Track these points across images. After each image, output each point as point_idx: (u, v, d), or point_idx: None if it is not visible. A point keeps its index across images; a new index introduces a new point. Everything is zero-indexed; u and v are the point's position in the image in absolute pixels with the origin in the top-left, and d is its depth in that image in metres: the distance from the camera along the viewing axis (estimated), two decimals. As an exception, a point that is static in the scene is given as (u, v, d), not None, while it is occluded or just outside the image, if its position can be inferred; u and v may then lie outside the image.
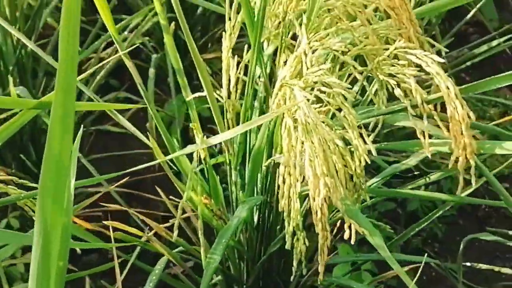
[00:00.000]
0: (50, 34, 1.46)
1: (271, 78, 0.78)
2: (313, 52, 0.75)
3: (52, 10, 1.44)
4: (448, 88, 0.60)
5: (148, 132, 1.05)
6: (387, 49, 0.66)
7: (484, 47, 1.25)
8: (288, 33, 0.74)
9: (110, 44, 1.45)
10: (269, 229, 0.88)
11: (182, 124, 1.61)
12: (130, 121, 1.71)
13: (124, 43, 1.38)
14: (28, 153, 1.32)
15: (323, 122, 0.63)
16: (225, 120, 0.84)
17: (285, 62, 0.64)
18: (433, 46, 0.69)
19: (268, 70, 0.81)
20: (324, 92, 0.62)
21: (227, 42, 0.74)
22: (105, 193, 1.37)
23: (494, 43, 1.24)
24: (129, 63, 0.71)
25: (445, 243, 1.42)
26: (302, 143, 0.58)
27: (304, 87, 0.61)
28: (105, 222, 0.71)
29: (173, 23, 1.50)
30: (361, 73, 0.68)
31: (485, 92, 1.55)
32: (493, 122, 0.84)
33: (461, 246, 1.00)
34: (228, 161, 0.83)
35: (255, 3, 0.72)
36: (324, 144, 0.58)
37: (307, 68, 0.63)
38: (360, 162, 0.63)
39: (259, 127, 0.80)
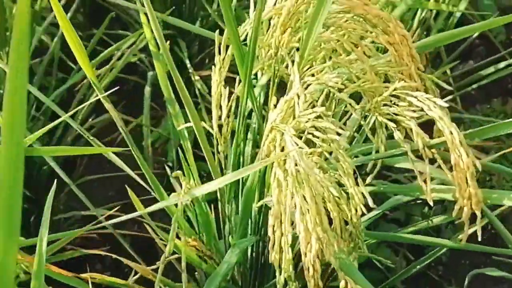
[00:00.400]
0: (44, 52, 1.42)
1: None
2: (306, 87, 0.71)
3: (47, 27, 1.40)
4: (452, 134, 0.56)
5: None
6: (387, 88, 0.61)
7: (491, 69, 1.20)
8: (282, 63, 0.70)
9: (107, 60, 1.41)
10: (263, 266, 0.84)
11: (178, 143, 1.58)
12: (124, 141, 1.67)
13: (119, 61, 1.34)
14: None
15: (317, 164, 0.59)
16: (216, 153, 0.79)
17: (275, 105, 0.60)
18: (437, 85, 0.64)
19: (261, 101, 0.76)
20: (318, 137, 0.58)
21: (217, 76, 0.70)
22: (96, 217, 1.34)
23: (502, 65, 1.19)
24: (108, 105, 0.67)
25: (449, 266, 1.37)
26: (293, 194, 0.53)
27: (296, 132, 0.57)
28: (82, 276, 0.67)
29: (167, 42, 1.46)
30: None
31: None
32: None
33: (466, 281, 0.96)
34: (220, 195, 0.79)
35: (246, 35, 0.68)
36: (317, 197, 0.54)
37: (300, 111, 0.58)
38: (356, 211, 0.59)
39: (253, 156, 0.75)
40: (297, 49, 0.61)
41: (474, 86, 1.19)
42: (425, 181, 0.60)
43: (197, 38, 1.64)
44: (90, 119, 1.37)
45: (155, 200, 1.08)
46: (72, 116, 1.33)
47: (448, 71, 1.38)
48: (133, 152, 0.73)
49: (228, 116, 0.78)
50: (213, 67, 0.70)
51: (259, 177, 0.70)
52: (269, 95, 0.70)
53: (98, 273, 1.58)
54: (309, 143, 0.60)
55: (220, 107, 0.75)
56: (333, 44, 0.64)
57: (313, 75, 0.69)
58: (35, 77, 1.31)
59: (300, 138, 0.60)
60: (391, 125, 0.60)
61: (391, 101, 0.60)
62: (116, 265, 1.51)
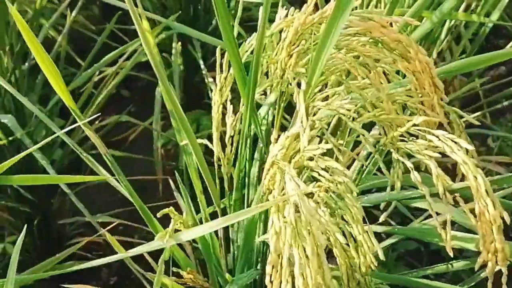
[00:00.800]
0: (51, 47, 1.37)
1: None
2: (314, 114, 0.64)
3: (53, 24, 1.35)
4: (477, 181, 0.49)
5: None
6: (405, 120, 0.54)
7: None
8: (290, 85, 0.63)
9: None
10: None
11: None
12: (135, 141, 1.62)
13: (129, 60, 1.28)
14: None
15: (322, 201, 0.52)
16: (217, 178, 0.73)
17: (276, 139, 0.53)
18: (461, 117, 0.57)
19: (270, 119, 0.70)
20: (324, 176, 0.51)
21: (217, 97, 0.63)
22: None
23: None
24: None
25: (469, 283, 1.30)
26: (291, 245, 0.47)
27: (298, 170, 0.50)
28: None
29: (179, 43, 1.40)
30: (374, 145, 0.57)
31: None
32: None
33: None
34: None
35: (250, 52, 0.62)
36: (319, 248, 0.47)
37: (304, 146, 0.52)
38: (365, 258, 0.52)
39: (259, 177, 0.69)
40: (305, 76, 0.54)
41: (505, 103, 1.10)
42: (444, 227, 0.53)
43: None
44: (97, 122, 1.32)
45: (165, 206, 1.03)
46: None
47: (477, 79, 1.29)
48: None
49: (232, 136, 0.72)
50: (213, 86, 0.64)
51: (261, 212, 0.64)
52: (275, 119, 0.63)
53: (104, 277, 1.54)
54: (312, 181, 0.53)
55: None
56: (347, 66, 0.57)
57: (325, 98, 0.63)
58: (40, 73, 1.26)
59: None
60: (408, 165, 0.53)
61: (409, 135, 0.53)
62: (123, 269, 1.47)
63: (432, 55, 1.04)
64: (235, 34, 0.70)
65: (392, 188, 0.60)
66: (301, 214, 0.47)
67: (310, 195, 0.54)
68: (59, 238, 1.35)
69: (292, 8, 0.65)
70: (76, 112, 0.62)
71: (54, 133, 0.76)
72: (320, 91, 0.65)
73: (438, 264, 0.62)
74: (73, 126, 0.61)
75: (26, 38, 0.52)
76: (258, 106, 0.76)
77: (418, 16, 0.71)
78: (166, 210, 0.56)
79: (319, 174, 0.51)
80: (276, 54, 0.62)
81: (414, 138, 0.53)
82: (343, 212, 0.52)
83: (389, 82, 0.63)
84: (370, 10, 0.75)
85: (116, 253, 1.35)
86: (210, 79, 1.37)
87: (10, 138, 1.05)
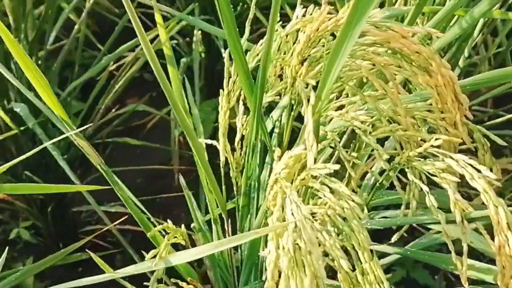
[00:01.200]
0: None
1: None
2: (329, 122, 0.60)
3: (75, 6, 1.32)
4: (499, 213, 0.44)
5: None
6: (423, 140, 0.50)
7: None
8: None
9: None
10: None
11: (209, 133, 1.48)
12: (153, 129, 1.59)
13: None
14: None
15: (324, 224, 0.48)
16: (224, 184, 0.70)
17: (279, 157, 0.49)
18: (486, 136, 0.52)
19: (284, 121, 0.66)
20: (329, 198, 0.47)
21: (224, 102, 0.60)
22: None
23: None
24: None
25: None
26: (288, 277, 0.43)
27: (304, 189, 0.47)
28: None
29: (199, 32, 1.36)
30: (387, 161, 0.52)
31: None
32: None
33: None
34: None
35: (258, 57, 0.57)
36: (319, 280, 0.43)
37: (311, 164, 0.47)
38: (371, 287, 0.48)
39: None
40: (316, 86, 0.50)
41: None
42: (460, 256, 0.49)
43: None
44: (113, 110, 1.30)
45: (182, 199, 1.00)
46: (96, 102, 1.26)
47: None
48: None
49: (241, 140, 0.68)
50: (220, 91, 0.60)
51: (266, 219, 0.60)
52: (284, 131, 0.59)
53: (118, 265, 1.53)
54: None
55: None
56: (363, 72, 0.53)
57: (339, 108, 0.58)
58: (60, 55, 1.24)
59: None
60: (424, 188, 0.48)
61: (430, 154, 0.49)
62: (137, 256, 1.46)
63: (463, 52, 0.97)
64: (251, 17, 0.65)
65: (407, 207, 0.56)
66: (301, 241, 0.44)
67: (314, 214, 0.51)
68: (73, 225, 1.35)
69: (311, 6, 0.60)
70: (67, 122, 0.59)
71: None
72: (335, 98, 0.61)
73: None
74: (64, 136, 0.57)
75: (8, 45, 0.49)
76: (271, 108, 0.72)
77: (451, 15, 0.65)
78: (160, 227, 0.53)
79: (324, 196, 0.47)
80: (290, 56, 0.58)
81: (432, 158, 0.48)
82: (348, 236, 0.48)
83: (410, 93, 0.59)
84: (396, 8, 0.70)
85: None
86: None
87: (22, 128, 1.03)
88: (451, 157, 0.46)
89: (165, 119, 1.47)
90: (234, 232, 0.74)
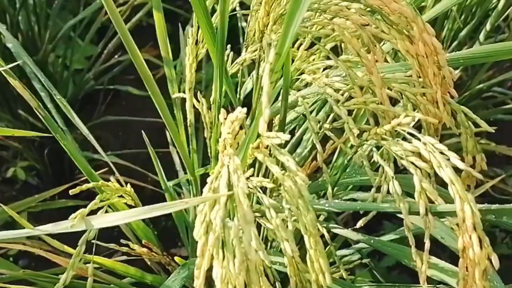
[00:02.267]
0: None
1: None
2: (305, 86, 0.54)
3: None
4: (464, 211, 0.38)
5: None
6: (397, 115, 0.43)
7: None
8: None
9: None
10: None
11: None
12: (159, 81, 1.54)
13: None
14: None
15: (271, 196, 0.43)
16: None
17: (225, 118, 0.43)
18: (473, 122, 0.45)
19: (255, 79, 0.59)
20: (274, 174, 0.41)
21: (190, 53, 0.54)
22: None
23: None
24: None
25: None
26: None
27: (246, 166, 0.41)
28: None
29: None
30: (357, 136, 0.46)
31: None
32: None
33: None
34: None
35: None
36: (250, 263, 0.38)
37: (263, 131, 0.42)
38: (318, 276, 0.43)
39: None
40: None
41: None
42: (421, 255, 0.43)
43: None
44: (116, 56, 1.25)
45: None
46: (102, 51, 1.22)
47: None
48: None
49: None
50: (187, 40, 0.54)
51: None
52: (254, 89, 0.53)
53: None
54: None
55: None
56: (337, 31, 0.46)
57: (311, 74, 0.52)
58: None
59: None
60: (389, 173, 0.42)
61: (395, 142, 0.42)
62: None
63: (486, 23, 0.86)
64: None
65: (378, 190, 0.50)
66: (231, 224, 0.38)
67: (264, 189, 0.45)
68: (70, 169, 1.33)
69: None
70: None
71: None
72: (311, 61, 0.54)
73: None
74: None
75: None
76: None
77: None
78: (93, 184, 0.48)
79: (269, 169, 0.41)
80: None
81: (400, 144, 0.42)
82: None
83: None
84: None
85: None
86: (244, 23, 1.26)
87: (12, 65, 1.00)
88: (418, 139, 0.39)
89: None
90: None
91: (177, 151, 0.89)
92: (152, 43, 1.42)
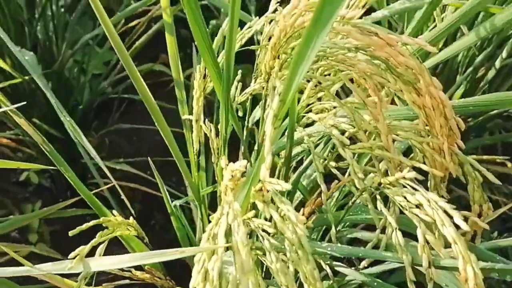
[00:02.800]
0: None
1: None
2: (310, 124, 0.53)
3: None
4: (467, 272, 0.37)
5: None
6: (403, 165, 0.43)
7: None
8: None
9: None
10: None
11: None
12: (168, 94, 1.55)
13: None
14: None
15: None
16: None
17: (227, 165, 0.43)
18: (478, 171, 0.44)
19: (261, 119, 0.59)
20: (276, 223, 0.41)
21: (198, 87, 0.54)
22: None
23: None
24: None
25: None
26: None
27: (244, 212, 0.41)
28: None
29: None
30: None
31: None
32: None
33: None
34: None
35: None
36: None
37: (264, 177, 0.41)
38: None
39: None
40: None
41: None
42: None
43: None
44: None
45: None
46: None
47: None
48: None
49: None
50: (193, 74, 0.54)
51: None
52: (260, 128, 0.53)
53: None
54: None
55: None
56: (343, 79, 0.46)
57: (320, 112, 0.51)
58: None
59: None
60: (393, 224, 0.42)
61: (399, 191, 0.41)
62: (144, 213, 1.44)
63: (502, 51, 0.85)
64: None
65: (383, 230, 0.49)
66: (233, 269, 0.38)
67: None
68: (83, 175, 1.34)
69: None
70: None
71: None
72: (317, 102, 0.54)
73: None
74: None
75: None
76: (258, 100, 0.65)
77: (474, 13, 0.55)
78: (97, 221, 0.48)
79: (269, 221, 0.41)
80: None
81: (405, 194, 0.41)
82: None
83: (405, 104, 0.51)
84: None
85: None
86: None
87: (26, 78, 1.01)
88: (423, 195, 0.39)
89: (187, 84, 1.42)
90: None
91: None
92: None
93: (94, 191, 0.84)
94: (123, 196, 0.69)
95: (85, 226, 0.46)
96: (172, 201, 0.72)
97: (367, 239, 0.53)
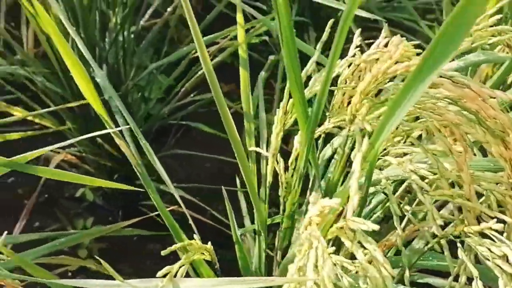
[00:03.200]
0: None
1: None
2: (387, 167, 0.55)
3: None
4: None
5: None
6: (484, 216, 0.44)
7: None
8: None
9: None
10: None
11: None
12: (220, 122, 1.59)
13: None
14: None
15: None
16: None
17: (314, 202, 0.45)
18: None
19: (340, 158, 0.61)
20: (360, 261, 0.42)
21: (279, 123, 0.56)
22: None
23: None
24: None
25: None
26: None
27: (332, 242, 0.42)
28: None
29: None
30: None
31: None
32: None
33: None
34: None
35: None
36: None
37: (350, 215, 0.43)
38: None
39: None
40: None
41: None
42: None
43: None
44: (192, 95, 1.29)
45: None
46: (177, 83, 1.27)
47: None
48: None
49: (296, 159, 0.64)
50: (277, 110, 0.57)
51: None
52: (336, 166, 0.55)
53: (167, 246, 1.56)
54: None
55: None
56: (431, 127, 0.47)
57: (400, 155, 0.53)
58: (153, 30, 1.24)
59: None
60: (474, 273, 0.43)
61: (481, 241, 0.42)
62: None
63: None
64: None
65: (457, 278, 0.50)
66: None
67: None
68: (137, 196, 1.38)
69: (397, 38, 0.54)
70: (106, 121, 0.58)
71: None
72: (399, 142, 0.55)
73: None
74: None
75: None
76: (332, 135, 0.67)
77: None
78: (179, 245, 0.50)
79: (353, 256, 0.42)
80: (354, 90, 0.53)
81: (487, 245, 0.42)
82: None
83: (485, 155, 0.52)
84: (493, 53, 0.63)
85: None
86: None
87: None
88: (509, 247, 0.40)
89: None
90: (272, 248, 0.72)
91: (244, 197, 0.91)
92: (234, 82, 1.47)
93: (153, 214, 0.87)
94: (190, 221, 0.72)
95: (168, 250, 0.48)
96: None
97: (439, 285, 0.53)
